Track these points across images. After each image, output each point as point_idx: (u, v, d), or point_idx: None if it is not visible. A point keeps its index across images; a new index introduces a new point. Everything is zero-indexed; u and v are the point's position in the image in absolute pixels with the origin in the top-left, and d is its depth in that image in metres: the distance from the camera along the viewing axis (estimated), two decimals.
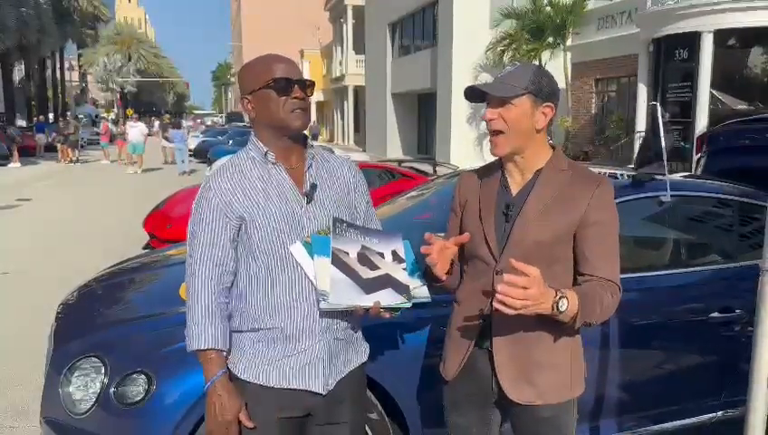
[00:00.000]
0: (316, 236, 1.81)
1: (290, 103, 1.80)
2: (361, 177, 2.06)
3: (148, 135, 24.17)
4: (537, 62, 17.67)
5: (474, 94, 1.89)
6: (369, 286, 1.78)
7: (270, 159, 1.85)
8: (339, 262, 1.77)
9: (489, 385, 1.95)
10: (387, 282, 1.81)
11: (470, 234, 1.92)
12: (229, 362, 1.89)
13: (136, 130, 21.24)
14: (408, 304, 1.82)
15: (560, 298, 1.65)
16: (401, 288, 1.82)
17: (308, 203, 1.85)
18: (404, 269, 1.86)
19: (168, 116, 51.11)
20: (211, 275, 1.82)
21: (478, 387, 1.98)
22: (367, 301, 1.76)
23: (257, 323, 1.84)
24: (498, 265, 1.87)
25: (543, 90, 1.84)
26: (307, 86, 1.84)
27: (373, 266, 1.81)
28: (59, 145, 24.53)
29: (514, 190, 1.92)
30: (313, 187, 1.87)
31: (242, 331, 1.87)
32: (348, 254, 1.79)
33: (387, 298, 1.79)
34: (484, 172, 2.04)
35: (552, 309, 1.65)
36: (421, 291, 1.88)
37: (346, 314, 1.86)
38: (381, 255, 1.85)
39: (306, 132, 1.97)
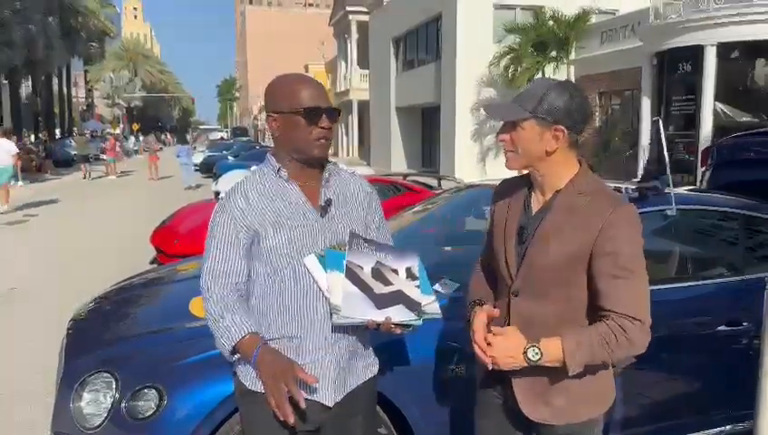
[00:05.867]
0: (330, 251, 1.84)
1: (316, 132, 1.85)
2: (375, 194, 2.10)
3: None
4: (540, 76, 17.76)
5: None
6: (382, 302, 1.80)
7: (282, 175, 1.89)
8: (353, 276, 1.79)
9: (510, 398, 1.93)
10: (399, 298, 1.83)
11: (495, 250, 1.94)
12: (240, 374, 1.92)
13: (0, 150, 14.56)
14: (419, 322, 1.84)
15: (529, 347, 1.71)
16: (413, 305, 1.84)
17: (322, 217, 1.89)
18: (417, 287, 1.88)
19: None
20: (224, 283, 1.87)
21: (502, 396, 1.97)
22: (378, 316, 1.78)
23: (268, 333, 1.87)
24: (513, 285, 1.87)
25: (554, 111, 1.75)
26: (333, 114, 1.88)
27: (386, 282, 1.83)
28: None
29: (535, 209, 1.89)
30: (329, 202, 1.92)
31: None
32: (362, 268, 1.82)
33: (398, 315, 1.81)
34: (517, 184, 1.99)
35: (524, 360, 1.72)
36: (432, 307, 1.90)
37: (356, 328, 1.88)
38: (395, 271, 1.87)
39: None
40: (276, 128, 1.90)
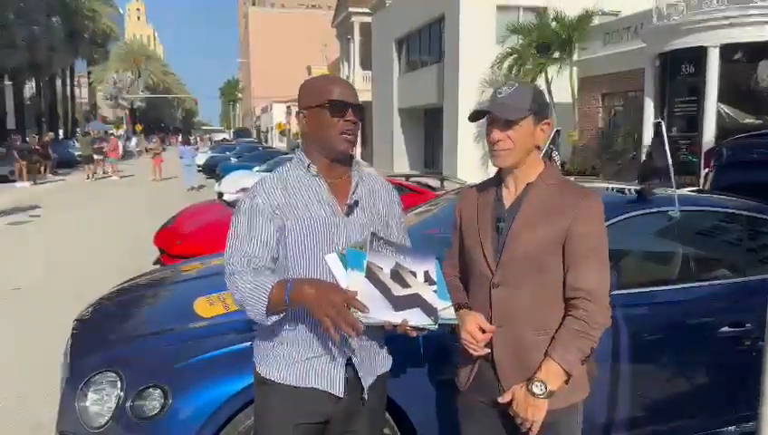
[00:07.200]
0: (351, 250, 1.84)
1: (342, 126, 1.89)
2: (398, 198, 2.14)
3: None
4: (543, 78, 17.75)
5: (476, 114, 2.01)
6: (399, 304, 1.79)
7: (312, 171, 1.93)
8: (372, 276, 1.78)
9: (496, 394, 1.98)
10: (416, 301, 1.82)
11: (469, 248, 2.03)
12: (257, 363, 1.97)
13: None
14: (435, 326, 1.83)
15: (532, 385, 1.86)
16: (429, 310, 1.83)
17: (347, 216, 1.93)
18: (434, 291, 1.87)
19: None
20: (246, 263, 1.85)
21: (488, 396, 2.02)
22: (396, 318, 1.77)
23: (286, 324, 1.89)
24: (494, 277, 1.96)
25: (542, 108, 1.96)
26: (359, 111, 1.91)
27: (405, 285, 1.82)
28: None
29: (507, 203, 2.01)
30: (356, 203, 1.96)
31: (269, 332, 1.92)
32: (382, 269, 1.81)
33: (414, 318, 1.79)
34: (482, 187, 2.13)
35: (534, 397, 1.86)
36: (448, 313, 1.90)
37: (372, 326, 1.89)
38: (414, 274, 1.87)
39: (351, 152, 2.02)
40: (305, 124, 1.95)
